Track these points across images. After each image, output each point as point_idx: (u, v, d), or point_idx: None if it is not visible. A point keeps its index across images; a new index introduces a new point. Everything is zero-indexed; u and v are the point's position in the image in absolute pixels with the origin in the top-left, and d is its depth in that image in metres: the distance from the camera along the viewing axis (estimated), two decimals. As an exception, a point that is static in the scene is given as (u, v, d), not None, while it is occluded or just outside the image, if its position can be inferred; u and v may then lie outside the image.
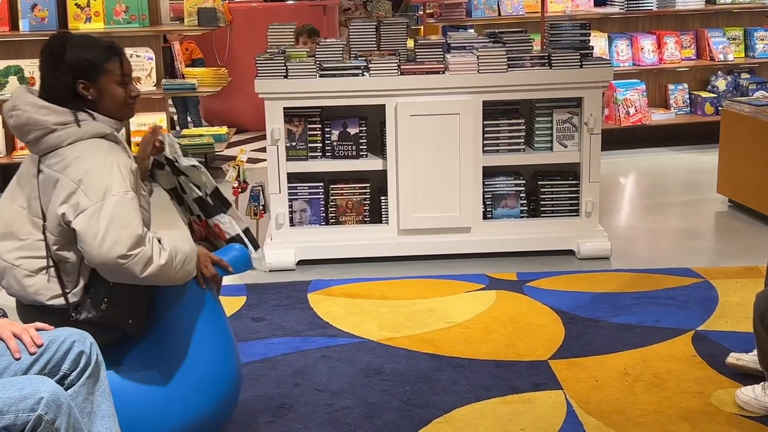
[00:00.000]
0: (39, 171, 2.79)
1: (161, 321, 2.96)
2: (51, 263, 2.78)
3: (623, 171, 7.15)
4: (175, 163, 3.05)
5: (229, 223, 3.07)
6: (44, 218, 2.78)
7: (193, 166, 3.04)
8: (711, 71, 7.89)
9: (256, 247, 3.11)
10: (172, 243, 2.76)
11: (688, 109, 7.86)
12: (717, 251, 5.26)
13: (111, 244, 2.61)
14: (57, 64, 2.79)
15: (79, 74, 2.79)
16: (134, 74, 7.20)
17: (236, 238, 3.08)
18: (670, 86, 7.85)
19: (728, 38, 7.81)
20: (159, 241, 2.73)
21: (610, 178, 6.79)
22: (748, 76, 7.86)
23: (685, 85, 7.88)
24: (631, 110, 7.52)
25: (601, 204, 5.41)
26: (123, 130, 3.00)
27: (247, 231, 3.10)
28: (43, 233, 2.78)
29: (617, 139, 7.54)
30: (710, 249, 5.31)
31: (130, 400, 2.84)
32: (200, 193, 3.07)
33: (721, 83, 7.82)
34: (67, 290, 2.80)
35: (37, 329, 2.50)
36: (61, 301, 2.80)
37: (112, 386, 2.65)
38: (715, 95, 7.75)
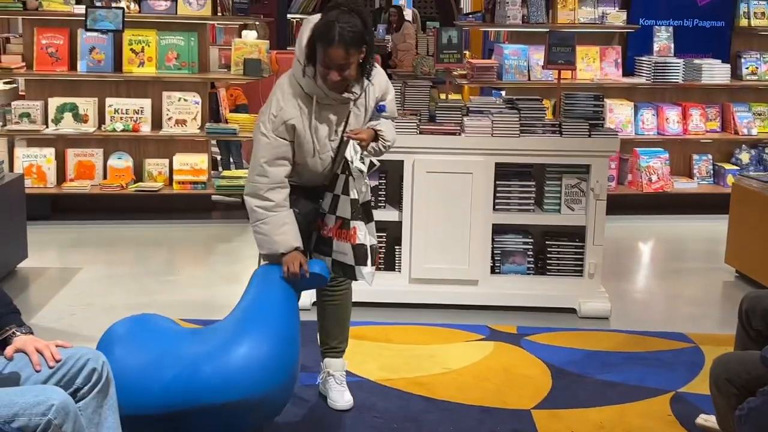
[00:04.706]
0: None
1: (244, 300, 3.50)
2: None
3: (642, 236, 7.38)
4: (350, 163, 3.57)
5: (364, 233, 3.58)
6: None
7: (361, 171, 3.57)
8: (735, 144, 8.11)
9: (374, 264, 3.62)
10: (272, 221, 3.56)
11: (712, 179, 8.09)
12: (714, 319, 5.46)
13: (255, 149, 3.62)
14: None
15: (316, 40, 3.46)
16: (179, 117, 7.60)
17: (361, 248, 3.58)
18: (695, 156, 8.08)
19: (753, 113, 8.04)
20: (266, 207, 3.55)
21: (628, 241, 7.04)
22: (772, 150, 8.06)
23: (709, 156, 8.11)
24: (654, 177, 7.77)
25: (613, 266, 5.63)
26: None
27: (373, 247, 3.61)
28: None
29: (639, 204, 7.80)
30: (708, 316, 5.51)
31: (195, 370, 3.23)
32: (357, 197, 3.58)
33: (744, 156, 8.04)
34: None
35: (57, 346, 2.86)
36: None
37: (180, 354, 3.23)
38: (739, 167, 7.96)
